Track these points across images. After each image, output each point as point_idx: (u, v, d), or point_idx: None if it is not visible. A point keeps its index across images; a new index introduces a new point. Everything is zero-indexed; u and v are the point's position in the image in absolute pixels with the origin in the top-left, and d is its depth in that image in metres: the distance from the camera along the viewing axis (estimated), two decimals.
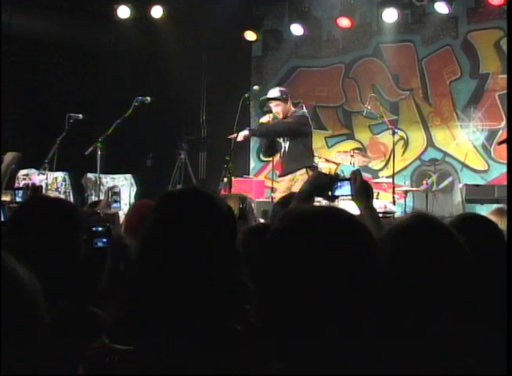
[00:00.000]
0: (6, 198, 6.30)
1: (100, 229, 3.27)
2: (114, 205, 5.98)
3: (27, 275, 1.43)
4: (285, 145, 9.19)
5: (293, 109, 9.29)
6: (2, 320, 1.32)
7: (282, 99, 9.12)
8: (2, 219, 4.55)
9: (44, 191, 8.32)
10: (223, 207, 2.33)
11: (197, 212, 2.25)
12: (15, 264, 1.42)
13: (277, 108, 9.14)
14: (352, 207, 3.34)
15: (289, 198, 3.96)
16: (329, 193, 3.46)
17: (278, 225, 1.99)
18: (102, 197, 7.15)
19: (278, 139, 9.22)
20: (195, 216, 2.24)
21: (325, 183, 3.45)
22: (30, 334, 1.39)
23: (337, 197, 3.50)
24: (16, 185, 9.54)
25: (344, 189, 3.41)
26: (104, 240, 3.24)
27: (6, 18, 10.97)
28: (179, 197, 2.37)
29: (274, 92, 9.21)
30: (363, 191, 3.37)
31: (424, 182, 11.50)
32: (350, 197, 3.43)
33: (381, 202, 10.22)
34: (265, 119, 9.25)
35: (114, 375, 2.11)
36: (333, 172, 10.74)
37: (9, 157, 5.77)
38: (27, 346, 1.37)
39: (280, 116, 9.16)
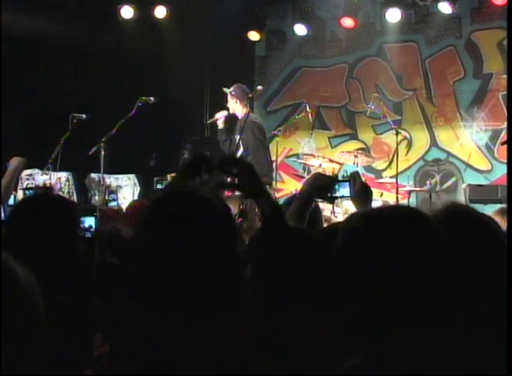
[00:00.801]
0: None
1: (88, 219, 3.28)
2: (112, 203, 6.00)
3: (26, 275, 1.44)
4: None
5: (245, 111, 9.26)
6: (1, 321, 1.33)
7: (232, 95, 9.24)
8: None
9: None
10: (220, 206, 2.32)
11: (193, 213, 2.25)
12: (14, 264, 1.43)
13: (229, 104, 9.29)
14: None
15: (293, 198, 3.97)
16: (329, 195, 3.47)
17: (350, 225, 1.99)
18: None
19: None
20: (191, 216, 2.24)
21: (324, 184, 3.45)
22: (28, 335, 1.39)
23: (336, 197, 3.50)
24: (20, 185, 9.55)
25: (344, 191, 3.41)
26: (92, 230, 3.25)
27: (9, 18, 10.98)
28: (174, 197, 2.36)
29: (227, 90, 9.32)
30: (362, 193, 3.38)
31: (428, 182, 11.48)
32: (349, 199, 3.44)
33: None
34: (218, 115, 9.27)
35: (115, 375, 2.12)
36: (335, 172, 10.75)
37: (15, 161, 5.83)
38: (25, 346, 1.37)
39: (233, 112, 9.31)
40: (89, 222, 3.52)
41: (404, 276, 1.82)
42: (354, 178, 3.42)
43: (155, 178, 8.72)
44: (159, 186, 7.42)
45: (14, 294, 1.38)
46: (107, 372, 2.14)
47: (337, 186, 3.45)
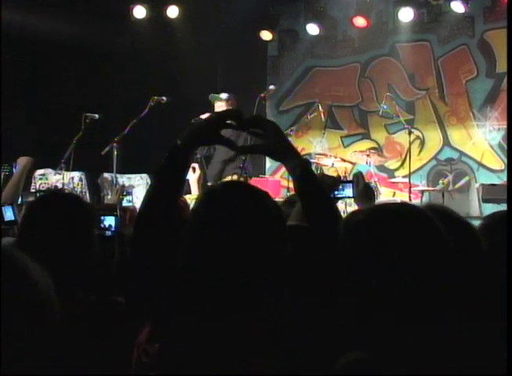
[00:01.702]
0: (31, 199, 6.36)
1: (108, 218, 3.29)
2: (126, 204, 5.99)
3: (41, 274, 1.44)
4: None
5: None
6: (16, 319, 1.33)
7: (227, 102, 9.67)
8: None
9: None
10: (272, 208, 2.32)
11: (245, 214, 2.26)
12: (29, 263, 1.43)
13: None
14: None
15: (294, 197, 3.96)
16: (332, 195, 3.47)
17: (350, 223, 1.99)
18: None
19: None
20: (243, 217, 2.24)
21: (328, 185, 3.45)
22: (44, 333, 1.39)
23: (339, 198, 3.51)
24: (33, 185, 9.59)
25: (347, 191, 3.42)
26: (113, 229, 3.26)
27: (21, 18, 11.02)
28: (226, 198, 2.35)
29: (223, 95, 9.78)
30: (365, 193, 3.39)
31: (441, 181, 11.46)
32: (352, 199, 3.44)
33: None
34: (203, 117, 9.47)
35: (119, 374, 2.12)
36: (348, 172, 10.74)
37: (23, 161, 5.80)
38: (39, 345, 1.38)
39: None
40: (109, 221, 3.53)
41: (403, 275, 1.83)
42: (357, 179, 3.43)
43: None
44: None
45: (29, 293, 1.38)
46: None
47: (340, 187, 3.45)
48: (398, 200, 9.87)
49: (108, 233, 3.34)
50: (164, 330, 2.18)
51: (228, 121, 2.52)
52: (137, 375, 2.15)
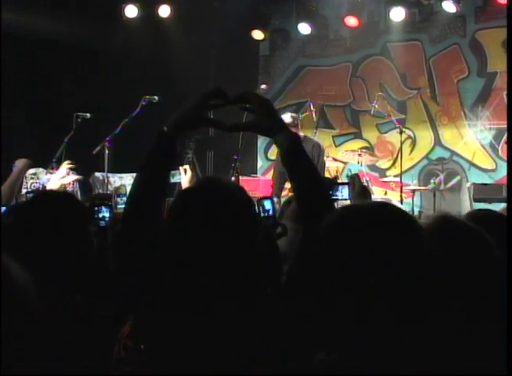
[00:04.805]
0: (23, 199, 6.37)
1: (102, 207, 3.30)
2: (121, 205, 5.98)
3: (20, 272, 1.42)
4: None
5: (302, 134, 9.45)
6: None
7: (294, 125, 9.23)
8: None
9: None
10: (241, 193, 2.31)
11: (221, 199, 2.24)
12: (8, 261, 1.42)
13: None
14: None
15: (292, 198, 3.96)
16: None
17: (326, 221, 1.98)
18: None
19: None
20: (219, 204, 2.22)
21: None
22: (20, 333, 1.38)
23: (335, 199, 3.51)
24: (24, 184, 9.55)
25: (343, 193, 3.43)
26: (106, 219, 3.26)
27: (13, 17, 10.99)
28: (198, 193, 2.33)
29: (286, 118, 9.31)
30: (361, 195, 3.39)
31: (432, 181, 11.46)
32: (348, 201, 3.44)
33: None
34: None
35: (117, 375, 2.11)
36: (339, 171, 10.76)
37: (21, 163, 5.85)
38: (15, 344, 1.36)
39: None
40: (104, 211, 3.56)
41: (402, 274, 1.82)
42: (353, 181, 3.43)
43: None
44: (171, 180, 7.43)
45: (6, 292, 1.37)
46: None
47: (337, 188, 3.45)
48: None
49: (102, 223, 3.35)
50: (153, 326, 2.17)
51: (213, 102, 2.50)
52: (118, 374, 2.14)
